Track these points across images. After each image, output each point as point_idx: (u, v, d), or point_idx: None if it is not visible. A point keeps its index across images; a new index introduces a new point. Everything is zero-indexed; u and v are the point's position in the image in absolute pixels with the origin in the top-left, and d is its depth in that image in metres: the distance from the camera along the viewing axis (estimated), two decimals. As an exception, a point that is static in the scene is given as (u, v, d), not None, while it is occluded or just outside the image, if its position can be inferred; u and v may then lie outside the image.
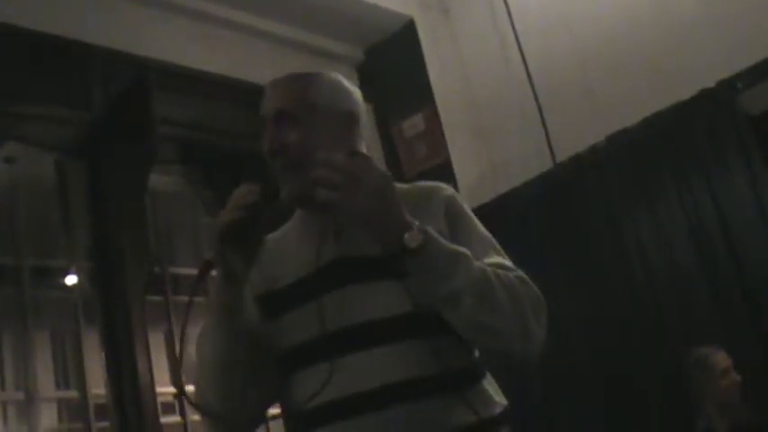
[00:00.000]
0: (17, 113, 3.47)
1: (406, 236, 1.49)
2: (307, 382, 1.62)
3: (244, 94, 4.19)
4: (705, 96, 4.12)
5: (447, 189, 1.77)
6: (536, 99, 4.81)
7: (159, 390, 3.62)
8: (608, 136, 4.43)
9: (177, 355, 1.91)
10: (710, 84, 4.11)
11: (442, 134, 4.88)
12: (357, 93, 1.82)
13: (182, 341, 1.62)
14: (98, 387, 3.55)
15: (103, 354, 3.51)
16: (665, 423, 3.93)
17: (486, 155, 5.03)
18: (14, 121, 3.49)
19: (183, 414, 4.03)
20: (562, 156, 4.65)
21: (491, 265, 1.61)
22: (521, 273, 1.66)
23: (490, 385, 1.69)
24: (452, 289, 1.51)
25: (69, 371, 4.54)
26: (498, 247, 1.75)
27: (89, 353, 3.61)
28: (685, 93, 4.18)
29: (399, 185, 1.74)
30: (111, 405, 3.45)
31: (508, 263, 1.69)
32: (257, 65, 4.46)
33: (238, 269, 1.62)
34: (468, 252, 1.56)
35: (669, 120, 4.21)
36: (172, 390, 4.00)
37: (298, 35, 4.76)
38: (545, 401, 4.33)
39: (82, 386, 3.61)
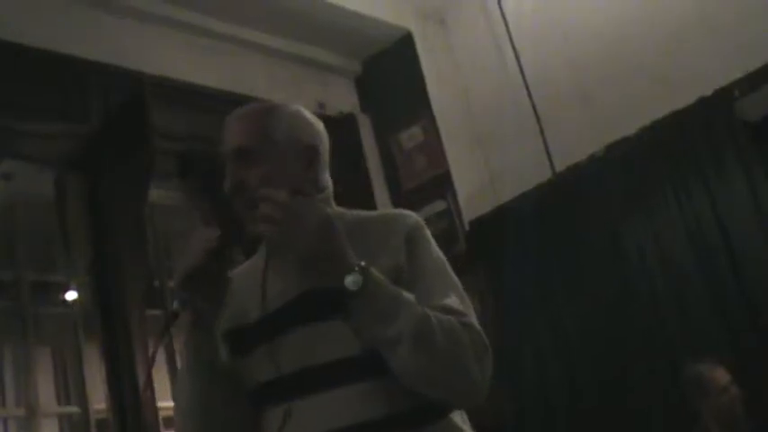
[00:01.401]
0: (15, 129, 3.48)
1: (347, 278, 1.48)
2: (270, 423, 1.62)
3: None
4: (703, 104, 4.12)
5: (410, 218, 1.73)
6: (534, 109, 4.82)
7: (160, 404, 3.61)
8: (606, 145, 4.43)
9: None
10: (708, 92, 4.12)
11: (441, 145, 4.88)
12: (319, 125, 1.80)
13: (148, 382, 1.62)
14: (99, 402, 3.54)
15: (104, 368, 3.50)
16: (663, 428, 3.92)
17: (486, 165, 5.04)
18: (12, 137, 3.50)
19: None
20: (561, 165, 4.66)
21: (438, 308, 1.57)
22: (469, 318, 1.60)
23: (459, 416, 1.64)
24: (391, 332, 1.49)
25: (70, 386, 4.54)
26: (456, 282, 1.69)
27: (90, 368, 3.61)
28: (683, 101, 4.18)
29: (363, 213, 1.77)
30: (112, 420, 3.44)
31: (458, 305, 1.62)
32: (255, 78, 4.48)
33: (206, 313, 1.62)
34: (410, 298, 1.53)
35: (667, 128, 4.22)
36: (173, 404, 3.99)
37: (295, 48, 4.78)
38: (543, 409, 4.33)
39: (83, 401, 3.61)
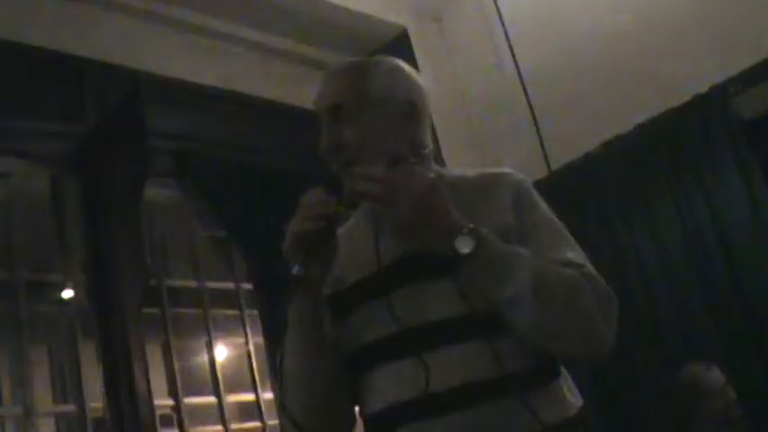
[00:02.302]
0: (11, 128, 3.47)
1: (458, 241, 1.45)
2: (389, 379, 1.57)
3: (239, 106, 4.20)
4: (698, 102, 4.12)
5: (515, 176, 1.71)
6: (530, 107, 4.82)
7: (157, 402, 3.61)
8: (602, 143, 4.43)
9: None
10: (703, 89, 4.12)
11: (437, 142, 4.88)
12: (418, 79, 1.76)
13: None
14: (96, 401, 3.54)
15: (101, 367, 3.50)
16: (659, 425, 3.93)
17: (481, 162, 5.04)
18: (8, 136, 3.49)
19: (180, 427, 4.03)
20: (557, 163, 4.66)
21: (556, 261, 1.55)
22: (588, 269, 1.59)
23: (566, 384, 1.62)
24: (509, 292, 1.46)
25: (67, 385, 4.54)
26: (568, 236, 1.67)
27: (86, 366, 3.61)
28: (678, 98, 4.18)
29: (466, 174, 1.73)
30: (109, 418, 3.44)
31: (576, 257, 1.61)
32: (251, 76, 4.47)
33: (318, 279, 1.58)
34: (524, 253, 1.51)
35: (663, 125, 4.22)
36: (170, 402, 4.00)
37: (291, 46, 4.77)
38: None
39: (80, 400, 3.61)
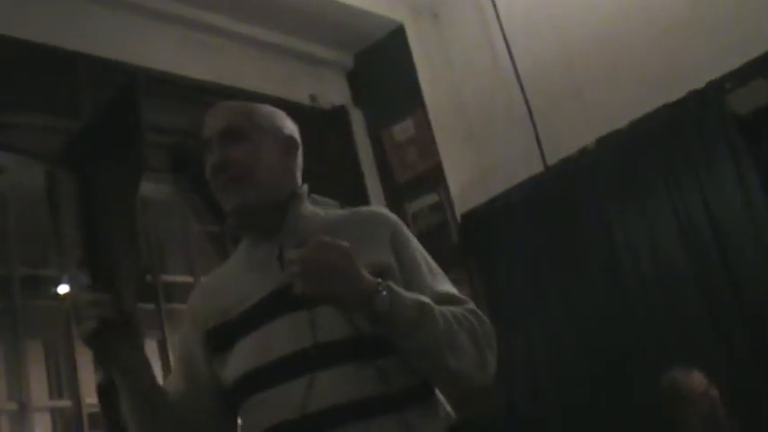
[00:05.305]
0: (5, 122, 3.47)
1: (376, 300, 1.50)
2: (258, 410, 1.64)
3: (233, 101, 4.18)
4: (693, 97, 4.13)
5: (390, 216, 1.79)
6: (526, 102, 4.82)
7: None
8: (598, 138, 4.44)
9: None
10: (699, 85, 4.13)
11: (433, 138, 4.89)
12: (296, 127, 1.85)
13: None
14: (91, 396, 3.53)
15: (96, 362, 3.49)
16: (653, 423, 3.92)
17: (478, 158, 5.04)
18: (3, 131, 3.48)
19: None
20: (552, 158, 4.67)
21: (443, 297, 1.65)
22: (470, 304, 1.69)
23: (440, 396, 1.71)
24: (420, 341, 1.54)
25: (62, 380, 4.53)
26: (440, 271, 1.77)
27: (82, 362, 3.59)
28: (674, 94, 4.19)
29: (340, 211, 1.81)
30: (104, 414, 3.43)
31: (455, 292, 1.72)
32: (246, 71, 4.47)
33: (128, 366, 1.63)
34: (429, 302, 1.57)
35: (658, 121, 4.23)
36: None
37: (287, 41, 4.77)
38: (533, 403, 4.34)
39: (75, 395, 3.60)
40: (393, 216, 1.79)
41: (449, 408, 1.71)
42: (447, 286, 1.72)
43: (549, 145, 4.71)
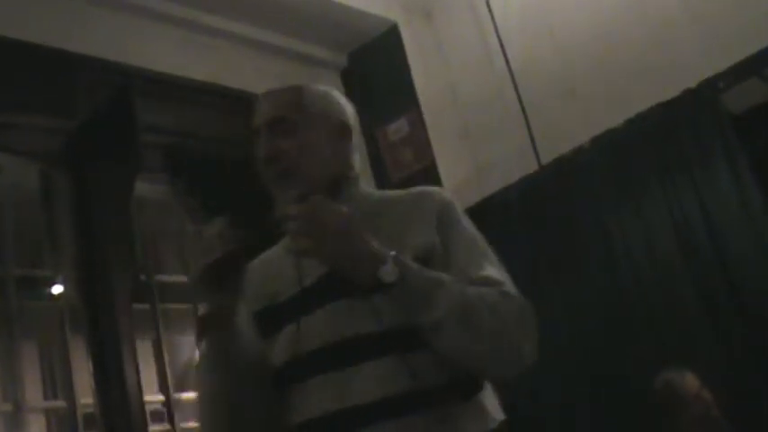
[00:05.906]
0: (2, 123, 3.46)
1: (381, 270, 1.48)
2: (295, 400, 1.62)
3: (228, 101, 4.19)
4: (688, 96, 4.14)
5: (441, 194, 1.75)
6: (520, 101, 4.82)
7: (147, 398, 3.60)
8: (592, 137, 4.44)
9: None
10: (693, 84, 4.14)
11: (427, 138, 4.89)
12: (350, 107, 1.84)
13: None
14: (86, 397, 3.53)
15: (91, 363, 3.49)
16: (653, 422, 3.93)
17: (472, 157, 5.04)
18: (0, 131, 3.48)
19: (171, 422, 4.02)
20: (547, 157, 4.67)
21: (478, 279, 1.59)
22: (506, 287, 1.63)
23: (488, 399, 1.66)
24: (433, 318, 1.50)
25: (57, 381, 4.52)
26: (488, 252, 1.72)
27: (76, 362, 3.59)
28: (668, 93, 4.20)
29: (393, 192, 1.79)
30: (99, 414, 3.43)
31: (496, 274, 1.65)
32: (241, 71, 4.46)
33: (230, 311, 1.61)
34: (447, 278, 1.54)
35: (652, 120, 4.23)
36: (160, 398, 3.99)
37: (281, 41, 4.76)
38: (532, 403, 4.33)
39: (70, 396, 3.59)
40: (446, 195, 1.75)
41: (498, 411, 1.67)
42: (489, 270, 1.65)
43: (544, 144, 4.71)
